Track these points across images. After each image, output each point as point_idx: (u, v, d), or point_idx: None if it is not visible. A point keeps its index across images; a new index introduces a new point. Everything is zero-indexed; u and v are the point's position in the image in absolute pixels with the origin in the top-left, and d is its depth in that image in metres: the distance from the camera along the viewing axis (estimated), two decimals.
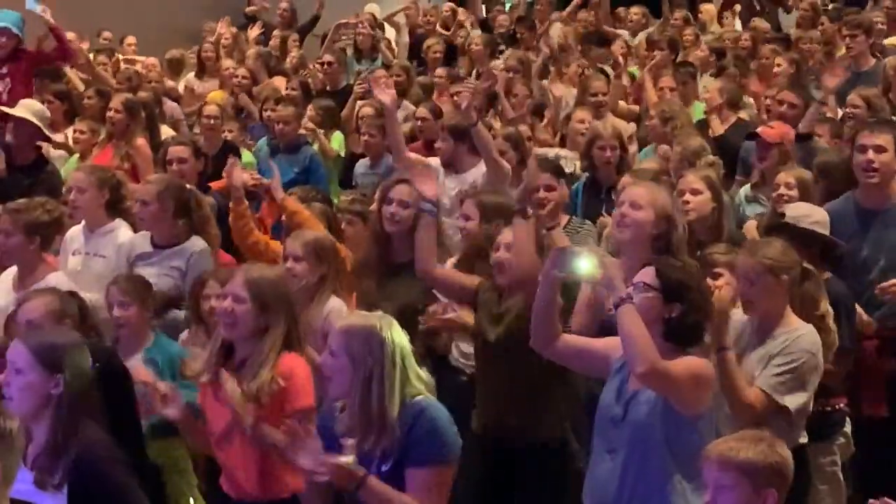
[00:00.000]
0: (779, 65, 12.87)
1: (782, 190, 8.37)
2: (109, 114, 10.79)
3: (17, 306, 6.72)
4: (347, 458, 5.04)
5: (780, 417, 6.05)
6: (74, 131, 11.21)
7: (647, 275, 5.59)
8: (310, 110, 12.15)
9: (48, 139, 10.45)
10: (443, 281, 6.95)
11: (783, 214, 7.70)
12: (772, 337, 6.29)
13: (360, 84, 12.76)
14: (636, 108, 12.60)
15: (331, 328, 5.41)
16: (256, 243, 8.09)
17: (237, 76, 14.26)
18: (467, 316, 6.87)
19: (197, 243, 7.93)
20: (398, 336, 5.26)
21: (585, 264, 5.66)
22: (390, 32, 18.53)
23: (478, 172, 8.87)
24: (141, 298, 6.91)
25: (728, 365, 6.11)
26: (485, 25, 18.45)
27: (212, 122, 11.31)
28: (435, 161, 9.05)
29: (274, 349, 5.77)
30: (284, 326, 5.85)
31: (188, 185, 8.45)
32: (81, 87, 12.93)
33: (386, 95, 8.94)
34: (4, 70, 11.51)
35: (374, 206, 8.05)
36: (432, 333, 7.25)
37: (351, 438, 5.12)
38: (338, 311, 6.70)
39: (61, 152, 11.00)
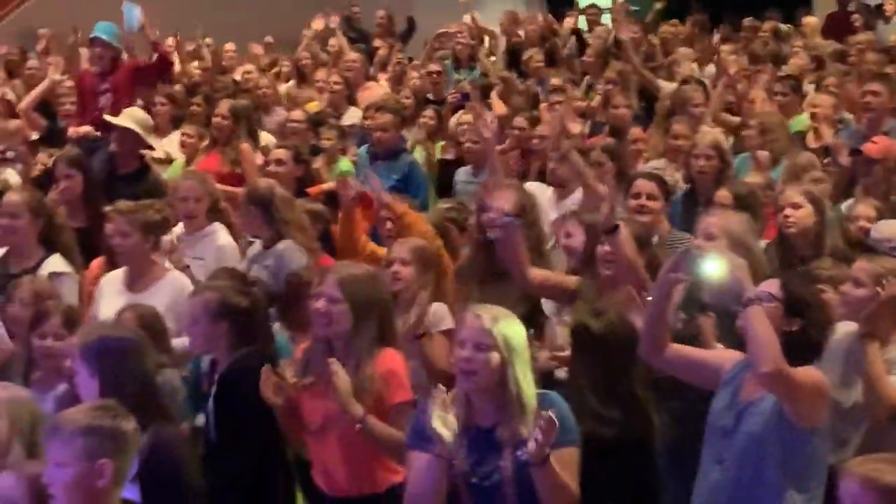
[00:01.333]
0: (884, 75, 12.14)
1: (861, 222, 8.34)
2: (216, 119, 10.95)
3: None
4: None
5: None
6: (182, 135, 11.41)
7: (773, 285, 5.53)
8: (424, 117, 12.35)
9: (150, 147, 10.52)
10: (541, 284, 6.84)
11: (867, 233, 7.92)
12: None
13: (453, 94, 12.77)
14: (736, 119, 12.36)
15: (467, 325, 5.32)
16: (363, 249, 8.11)
17: (330, 83, 14.30)
18: None
19: (285, 245, 7.97)
20: (522, 329, 5.33)
21: (713, 266, 5.60)
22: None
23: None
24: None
25: (871, 355, 6.15)
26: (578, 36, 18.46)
27: (295, 125, 11.53)
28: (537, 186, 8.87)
29: (372, 345, 5.85)
30: (378, 323, 5.92)
31: (275, 188, 8.45)
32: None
33: (486, 123, 8.96)
34: (106, 85, 11.50)
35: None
36: None
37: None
38: (441, 314, 6.76)
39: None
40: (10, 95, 13.27)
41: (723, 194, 8.25)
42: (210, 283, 6.71)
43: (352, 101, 13.70)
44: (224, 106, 11.24)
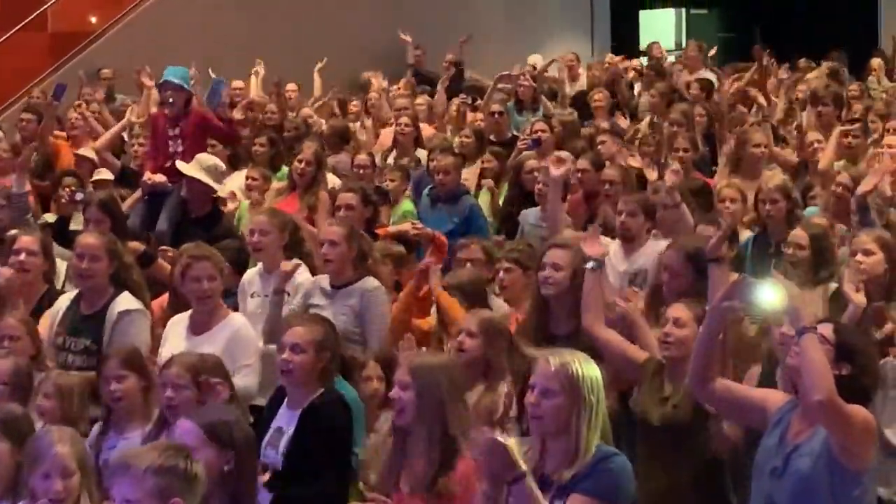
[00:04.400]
0: None
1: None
2: (300, 165, 11.03)
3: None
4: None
5: None
6: (247, 178, 11.51)
7: (826, 329, 5.49)
8: (485, 161, 12.28)
9: (216, 190, 10.63)
10: (607, 343, 6.65)
11: None
12: None
13: (522, 141, 12.75)
14: (795, 159, 12.28)
15: (538, 370, 5.29)
16: (409, 322, 8.19)
17: (399, 125, 14.16)
18: None
19: (370, 282, 8.05)
20: (594, 371, 5.34)
21: (770, 295, 5.59)
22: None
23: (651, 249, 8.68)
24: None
25: None
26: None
27: (362, 171, 11.62)
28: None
29: (455, 449, 5.79)
30: (452, 421, 5.85)
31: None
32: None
33: (557, 170, 8.89)
34: (177, 130, 11.52)
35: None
36: None
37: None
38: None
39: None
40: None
41: (799, 234, 8.24)
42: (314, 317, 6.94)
43: (419, 144, 13.60)
44: (308, 151, 11.30)
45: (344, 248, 8.02)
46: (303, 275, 8.27)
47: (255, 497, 5.56)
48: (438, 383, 5.86)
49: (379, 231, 9.82)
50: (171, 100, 11.78)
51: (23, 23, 18.83)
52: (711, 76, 17.58)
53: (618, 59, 20.20)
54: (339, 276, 8.04)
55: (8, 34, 18.56)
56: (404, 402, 5.80)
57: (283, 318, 7.33)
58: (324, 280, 8.15)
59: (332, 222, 8.61)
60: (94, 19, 19.59)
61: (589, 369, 5.28)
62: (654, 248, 8.44)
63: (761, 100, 15.08)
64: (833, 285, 7.77)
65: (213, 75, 14.59)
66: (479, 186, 11.81)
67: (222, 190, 10.94)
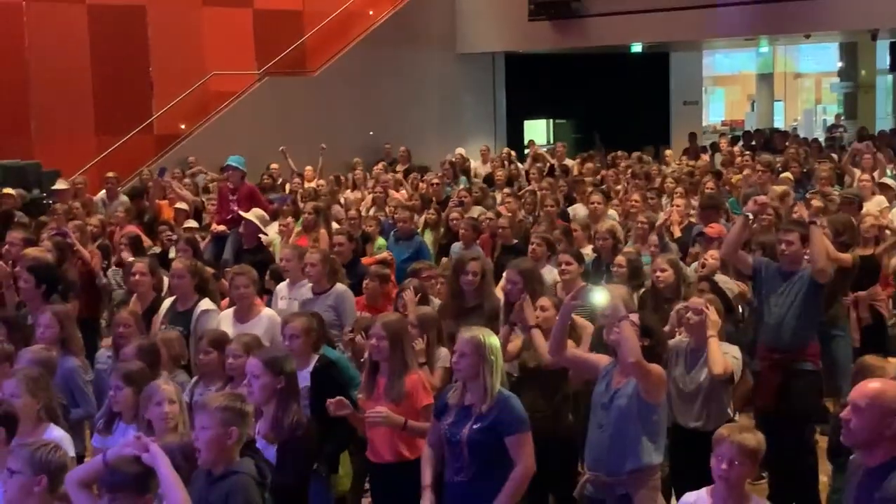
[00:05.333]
0: None
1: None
2: (306, 216, 11.21)
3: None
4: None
5: None
6: (279, 225, 11.45)
7: (635, 317, 5.58)
8: (428, 214, 12.24)
9: (264, 233, 10.86)
10: (573, 361, 6.18)
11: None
12: None
13: (453, 201, 12.71)
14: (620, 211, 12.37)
15: (458, 339, 5.44)
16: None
17: (375, 191, 14.46)
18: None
19: (339, 287, 8.12)
20: (494, 340, 5.44)
21: (599, 296, 5.66)
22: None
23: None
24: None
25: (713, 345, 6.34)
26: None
27: (352, 221, 11.53)
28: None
29: (402, 368, 5.91)
30: (405, 354, 5.98)
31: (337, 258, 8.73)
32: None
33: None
34: (235, 196, 11.78)
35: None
36: None
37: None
38: (444, 357, 6.51)
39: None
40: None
41: (620, 259, 8.25)
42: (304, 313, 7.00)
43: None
44: (309, 206, 11.53)
45: (320, 268, 8.05)
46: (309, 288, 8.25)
47: (300, 407, 5.64)
48: (399, 333, 5.96)
49: (364, 260, 9.91)
50: (232, 176, 12.09)
51: (136, 129, 18.67)
52: (570, 161, 17.74)
53: (507, 150, 20.16)
54: (319, 286, 8.06)
55: (127, 136, 18.40)
56: (379, 345, 5.87)
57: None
58: (307, 291, 8.16)
59: (312, 251, 8.57)
60: (183, 126, 19.40)
61: (490, 339, 5.41)
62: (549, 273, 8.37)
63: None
64: (641, 290, 7.78)
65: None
66: (424, 229, 11.74)
67: (268, 231, 11.07)
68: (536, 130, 24.48)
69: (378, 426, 5.88)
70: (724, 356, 6.29)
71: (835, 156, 16.93)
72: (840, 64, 26.74)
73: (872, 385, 4.10)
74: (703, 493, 4.47)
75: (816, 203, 9.93)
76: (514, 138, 23.08)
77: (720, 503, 4.40)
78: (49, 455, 4.33)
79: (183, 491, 4.08)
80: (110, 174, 15.13)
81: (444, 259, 10.14)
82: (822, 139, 21.42)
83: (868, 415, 4.00)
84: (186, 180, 15.83)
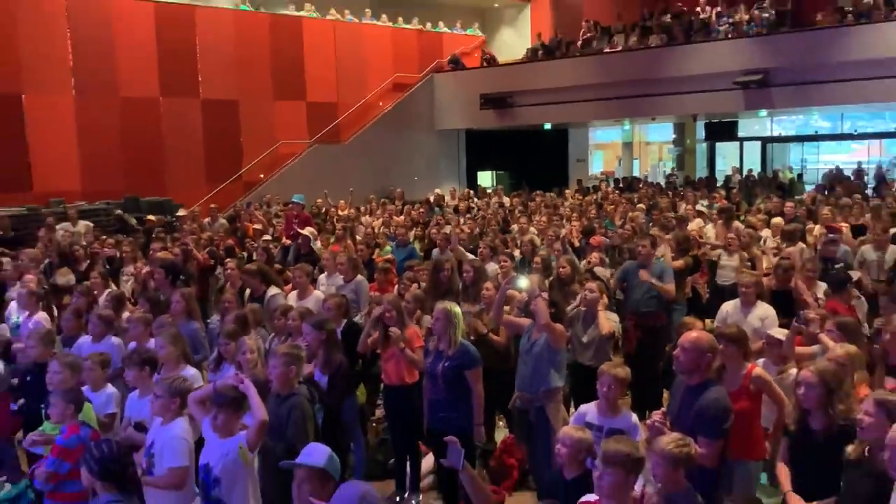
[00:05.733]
0: None
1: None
2: (338, 232, 11.10)
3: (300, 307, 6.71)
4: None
5: None
6: (322, 240, 11.22)
7: (546, 295, 5.51)
8: (417, 230, 12.12)
9: (314, 243, 10.58)
10: (507, 323, 6.03)
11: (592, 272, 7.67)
12: None
13: (433, 224, 12.59)
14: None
15: (435, 309, 5.33)
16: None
17: (384, 217, 14.20)
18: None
19: (359, 278, 7.85)
20: (458, 310, 5.36)
21: (522, 282, 5.64)
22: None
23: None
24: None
25: (601, 318, 6.01)
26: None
27: (368, 236, 11.21)
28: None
29: (404, 326, 5.78)
30: (403, 317, 5.84)
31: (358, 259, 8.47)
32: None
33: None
34: (296, 221, 11.51)
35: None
36: None
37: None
38: (427, 320, 6.42)
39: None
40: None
41: (537, 260, 8.12)
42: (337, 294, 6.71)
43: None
44: (339, 226, 11.43)
45: (347, 266, 7.83)
46: (340, 279, 8.00)
47: (340, 352, 5.43)
48: (399, 306, 5.86)
49: (377, 259, 9.73)
50: (295, 208, 11.88)
51: (231, 178, 18.59)
52: (506, 199, 17.62)
53: (468, 191, 20.14)
54: (347, 277, 7.83)
55: (225, 182, 18.30)
56: (391, 317, 5.72)
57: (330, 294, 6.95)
58: (339, 279, 7.91)
59: (341, 255, 8.23)
60: (262, 175, 19.32)
61: (454, 308, 5.30)
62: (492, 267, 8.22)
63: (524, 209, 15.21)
64: (550, 278, 7.64)
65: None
66: (414, 240, 11.57)
67: (315, 242, 10.81)
68: (485, 179, 24.42)
69: (390, 360, 5.77)
70: (608, 321, 6.29)
71: (670, 193, 17.00)
72: (674, 135, 26.86)
73: (693, 334, 4.11)
74: (592, 405, 4.44)
75: (656, 231, 9.83)
76: (471, 183, 23.01)
77: (602, 412, 4.35)
78: (179, 385, 4.28)
79: (263, 409, 4.02)
80: (213, 206, 15.10)
81: (427, 260, 10.00)
82: (663, 183, 21.41)
83: (690, 352, 4.01)
84: (263, 209, 15.67)
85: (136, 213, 15.31)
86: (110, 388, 5.14)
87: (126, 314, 6.77)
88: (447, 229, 10.97)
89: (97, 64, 16.95)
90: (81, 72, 16.88)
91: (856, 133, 22.98)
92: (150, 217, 14.03)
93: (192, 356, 5.60)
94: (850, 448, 3.48)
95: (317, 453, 3.18)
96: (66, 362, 4.86)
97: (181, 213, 15.65)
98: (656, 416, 3.96)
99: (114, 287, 8.32)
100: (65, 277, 8.99)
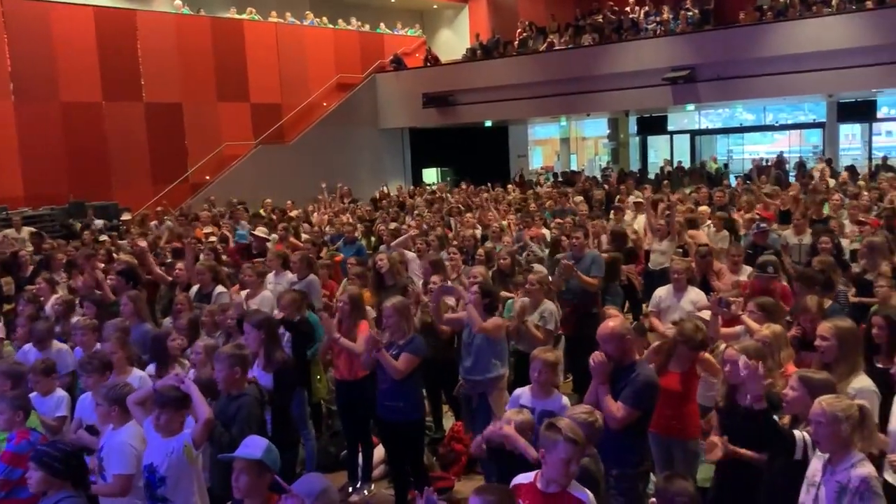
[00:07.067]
0: None
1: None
2: (280, 231, 10.55)
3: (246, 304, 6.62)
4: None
5: None
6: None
7: (478, 287, 5.50)
8: (363, 227, 11.92)
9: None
10: (448, 320, 5.98)
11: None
12: None
13: (380, 221, 12.48)
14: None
15: (387, 310, 5.20)
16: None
17: (332, 212, 14.01)
18: None
19: (311, 277, 7.66)
20: (405, 301, 5.30)
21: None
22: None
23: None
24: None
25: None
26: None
27: (315, 234, 11.16)
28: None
29: (357, 323, 5.62)
30: (358, 312, 5.68)
31: (311, 256, 8.18)
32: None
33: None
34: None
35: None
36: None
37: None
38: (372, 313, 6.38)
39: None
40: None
41: (480, 252, 8.15)
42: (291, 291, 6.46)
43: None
44: (281, 226, 10.77)
45: (300, 264, 7.64)
46: (291, 276, 7.77)
47: (282, 349, 5.25)
48: (358, 302, 5.68)
49: (323, 256, 9.55)
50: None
51: (174, 183, 18.25)
52: (450, 196, 17.59)
53: (415, 188, 20.12)
54: (300, 275, 7.64)
55: (166, 190, 17.95)
56: (346, 311, 5.58)
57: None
58: (288, 278, 7.71)
59: (295, 254, 7.94)
60: (207, 177, 19.00)
61: (401, 301, 5.23)
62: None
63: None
64: (493, 270, 7.62)
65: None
66: (361, 236, 11.49)
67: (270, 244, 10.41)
68: (430, 175, 24.45)
69: (340, 355, 5.68)
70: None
71: (606, 186, 17.27)
72: (608, 130, 27.25)
73: (609, 324, 4.17)
74: (526, 389, 4.46)
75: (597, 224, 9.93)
76: (417, 180, 23.02)
77: (535, 395, 4.39)
78: (117, 392, 4.14)
79: (207, 408, 3.94)
80: (160, 208, 14.72)
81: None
82: (599, 176, 21.74)
83: (611, 341, 4.09)
84: (209, 209, 15.28)
85: (81, 218, 14.90)
86: (60, 392, 5.02)
87: (74, 319, 6.60)
88: (392, 225, 10.94)
89: (37, 69, 16.42)
90: (20, 77, 16.34)
91: (777, 124, 23.72)
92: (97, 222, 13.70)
93: (139, 359, 5.50)
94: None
95: (254, 445, 3.15)
96: (3, 370, 4.73)
97: (126, 216, 15.26)
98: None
99: (61, 292, 8.10)
100: (7, 286, 8.71)
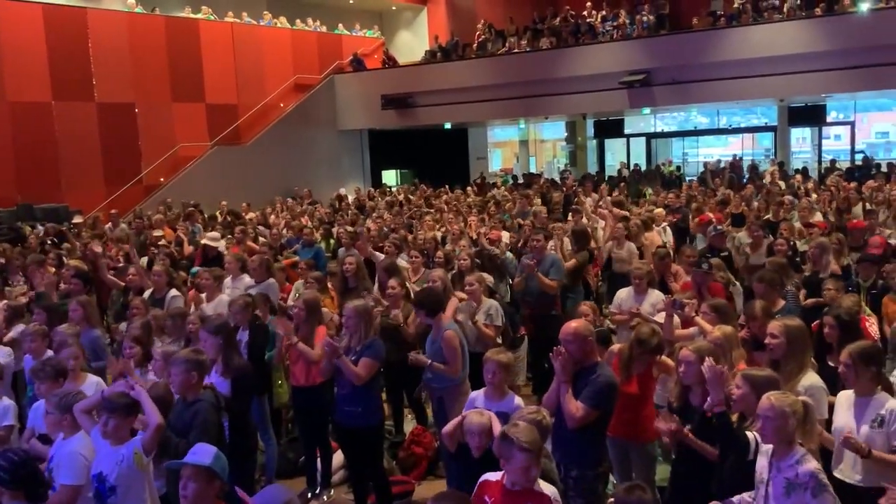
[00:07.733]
0: None
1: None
2: (237, 234, 10.41)
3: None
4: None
5: None
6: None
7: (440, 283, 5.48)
8: (323, 231, 11.82)
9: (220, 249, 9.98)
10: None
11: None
12: None
13: (340, 221, 12.39)
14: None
15: (347, 312, 5.10)
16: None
17: (287, 217, 13.83)
18: None
19: (270, 280, 7.47)
20: (366, 305, 5.25)
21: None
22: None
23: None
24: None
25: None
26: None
27: (273, 237, 11.17)
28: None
29: (314, 328, 5.56)
30: (315, 318, 5.62)
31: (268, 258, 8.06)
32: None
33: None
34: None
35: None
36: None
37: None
38: (329, 314, 6.35)
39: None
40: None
41: (439, 254, 8.15)
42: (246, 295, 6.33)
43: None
44: (238, 230, 10.72)
45: (259, 268, 7.46)
46: (248, 281, 7.58)
47: (240, 355, 5.20)
48: (315, 307, 5.62)
49: (284, 261, 9.51)
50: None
51: (128, 184, 17.88)
52: (413, 196, 17.53)
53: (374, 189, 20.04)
54: (258, 278, 7.43)
55: (119, 192, 17.64)
56: (301, 316, 5.53)
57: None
58: (245, 282, 7.51)
59: (253, 258, 7.77)
60: (162, 179, 18.67)
61: (363, 304, 5.21)
62: (402, 261, 8.07)
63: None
64: (452, 272, 7.62)
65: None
66: (321, 239, 11.38)
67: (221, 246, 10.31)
68: (390, 177, 24.38)
69: (297, 361, 5.61)
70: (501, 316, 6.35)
71: (564, 188, 17.40)
72: (566, 133, 27.48)
73: (572, 325, 4.18)
74: (481, 392, 4.42)
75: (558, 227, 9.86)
76: (376, 182, 22.93)
77: (489, 397, 4.36)
78: (68, 401, 4.01)
79: (158, 414, 3.84)
80: (114, 211, 14.45)
81: (335, 259, 9.75)
82: (557, 178, 21.91)
83: (574, 342, 4.10)
84: (163, 210, 15.04)
85: (30, 221, 14.50)
86: (6, 401, 4.87)
87: (21, 326, 6.41)
88: (350, 228, 10.87)
89: None
90: None
91: (730, 128, 24.20)
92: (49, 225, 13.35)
93: (88, 366, 5.37)
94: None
95: (202, 452, 3.10)
96: None
97: (76, 219, 14.89)
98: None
99: (8, 298, 7.87)
100: None
